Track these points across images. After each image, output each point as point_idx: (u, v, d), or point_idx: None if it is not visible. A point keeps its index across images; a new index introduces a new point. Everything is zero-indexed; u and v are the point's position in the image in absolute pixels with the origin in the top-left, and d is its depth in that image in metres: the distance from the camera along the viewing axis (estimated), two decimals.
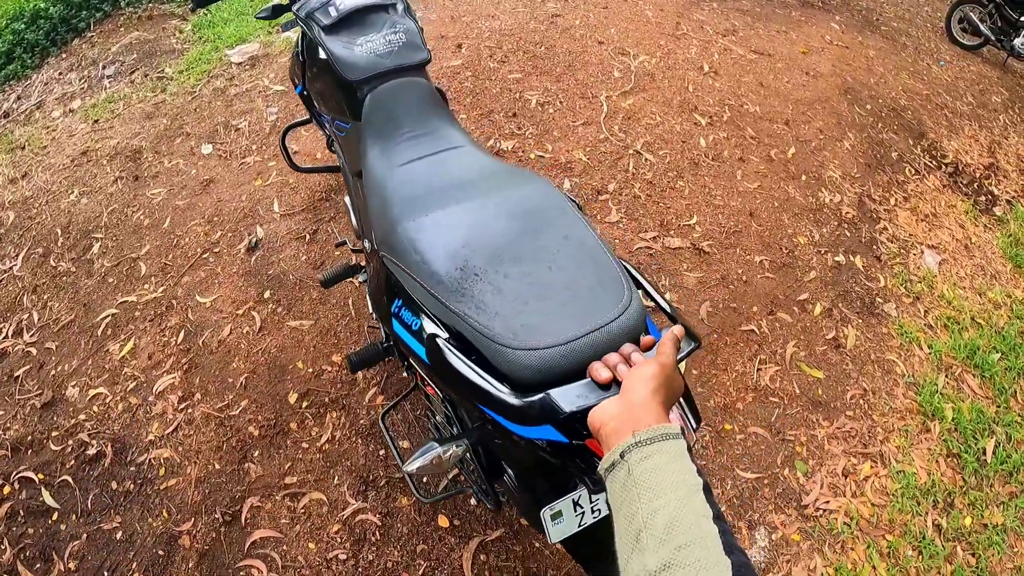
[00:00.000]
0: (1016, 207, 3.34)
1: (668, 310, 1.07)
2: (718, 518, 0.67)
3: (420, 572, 1.83)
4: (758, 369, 2.32)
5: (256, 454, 2.08)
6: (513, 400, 0.89)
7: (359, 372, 2.20)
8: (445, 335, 1.02)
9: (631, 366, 0.84)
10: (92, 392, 2.29)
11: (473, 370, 0.93)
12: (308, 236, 2.68)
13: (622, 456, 0.69)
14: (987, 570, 2.03)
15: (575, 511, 1.14)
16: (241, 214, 2.80)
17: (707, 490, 0.69)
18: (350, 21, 1.60)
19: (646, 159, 3.01)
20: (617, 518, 0.67)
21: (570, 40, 3.73)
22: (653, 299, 1.09)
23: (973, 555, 2.05)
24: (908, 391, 2.40)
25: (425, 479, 1.97)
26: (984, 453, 2.29)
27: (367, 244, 1.47)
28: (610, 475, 0.70)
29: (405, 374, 2.05)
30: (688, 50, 3.85)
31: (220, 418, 2.17)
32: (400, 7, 1.70)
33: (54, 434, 2.19)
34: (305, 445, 2.09)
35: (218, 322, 2.42)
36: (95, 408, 2.24)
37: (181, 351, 2.35)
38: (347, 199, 1.88)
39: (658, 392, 0.76)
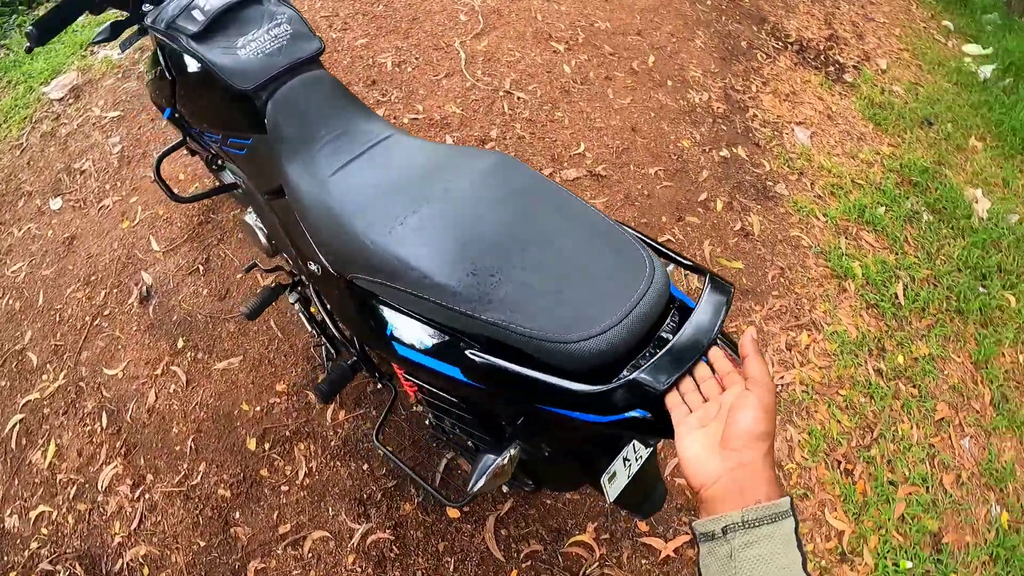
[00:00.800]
0: (863, 71, 3.60)
1: (689, 263, 1.06)
2: None
3: (451, 570, 1.78)
4: (685, 275, 2.37)
5: (237, 515, 1.91)
6: (594, 391, 0.84)
7: (314, 395, 2.08)
8: (474, 347, 0.95)
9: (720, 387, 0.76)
10: (33, 514, 2.01)
11: (537, 375, 0.87)
12: (201, 268, 2.46)
13: (724, 532, 0.63)
14: (928, 395, 2.23)
15: (624, 465, 1.16)
16: (119, 264, 2.51)
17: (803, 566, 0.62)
18: (221, 23, 1.40)
19: (519, 98, 2.96)
20: None
21: None
22: (664, 255, 1.07)
23: (914, 386, 2.25)
24: (818, 260, 2.55)
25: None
26: (896, 297, 2.49)
27: (312, 267, 1.31)
28: (707, 544, 0.64)
29: (380, 386, 2.02)
30: None
31: (183, 492, 1.97)
32: (269, 4, 1.49)
33: (12, 575, 1.90)
34: (285, 488, 1.95)
35: (139, 390, 2.19)
36: (44, 530, 1.98)
37: (111, 436, 2.11)
38: (250, 218, 1.69)
39: (770, 452, 0.67)
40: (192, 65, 1.46)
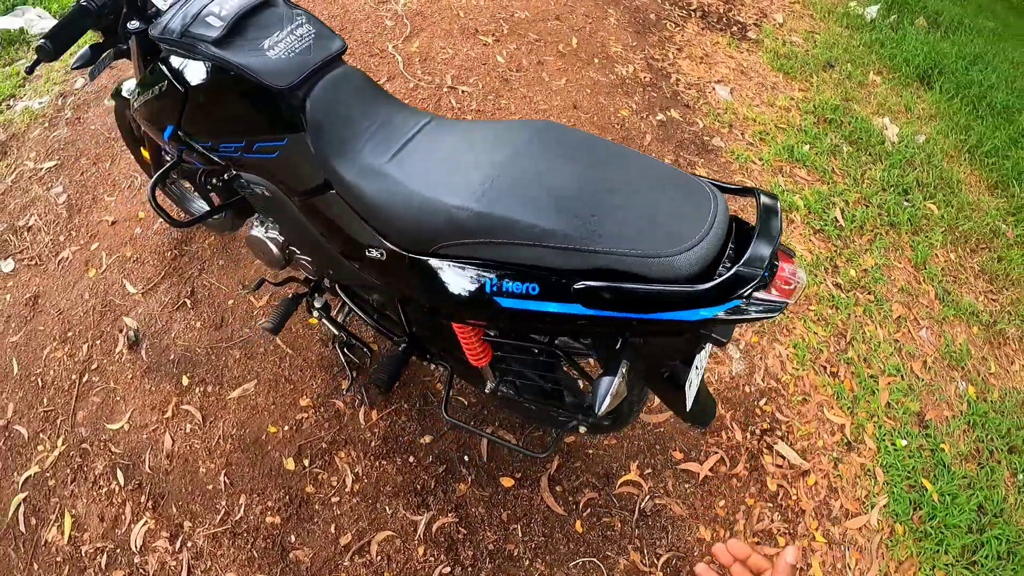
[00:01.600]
0: (763, 27, 3.94)
1: (738, 188, 1.22)
2: None
3: (520, 535, 1.89)
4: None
5: (293, 539, 1.92)
6: (707, 287, 1.00)
7: (366, 392, 2.14)
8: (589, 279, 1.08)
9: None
10: None
11: (651, 288, 1.03)
12: (188, 301, 2.44)
13: None
14: (883, 299, 2.52)
15: (696, 373, 1.28)
16: (96, 315, 2.45)
17: None
18: (239, 28, 1.40)
19: (463, 91, 3.11)
20: None
21: (323, 3, 3.66)
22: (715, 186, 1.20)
23: (869, 293, 2.53)
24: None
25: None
26: (837, 220, 2.79)
27: (373, 253, 1.37)
28: None
29: (432, 366, 2.07)
30: None
31: (229, 530, 1.94)
32: (283, 6, 1.50)
33: None
34: (335, 499, 1.98)
35: (151, 438, 2.12)
36: None
37: (132, 492, 2.03)
38: (258, 232, 1.71)
39: None
40: (212, 73, 1.41)
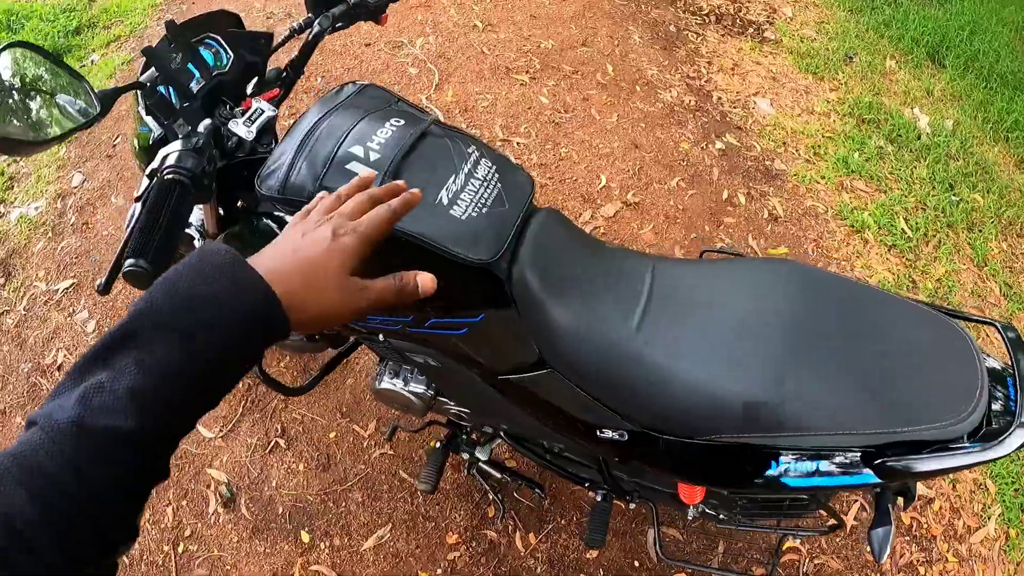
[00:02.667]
0: (776, 24, 4.06)
1: (977, 318, 1.27)
2: None
3: None
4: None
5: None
6: (1005, 452, 1.04)
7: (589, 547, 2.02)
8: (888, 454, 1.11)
9: None
10: None
11: (953, 459, 1.06)
12: (281, 442, 2.23)
13: None
14: (959, 306, 2.75)
15: None
16: (173, 470, 2.16)
17: None
18: (403, 177, 1.07)
19: (518, 143, 3.16)
20: None
21: (336, 56, 3.60)
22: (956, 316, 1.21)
23: (947, 304, 2.75)
24: (837, 221, 3.01)
25: None
26: (904, 232, 3.01)
27: (609, 435, 1.24)
28: None
29: (632, 505, 1.83)
30: (447, 13, 3.90)
31: None
32: (430, 120, 1.20)
33: None
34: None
35: None
36: None
37: None
38: (389, 384, 1.53)
39: None
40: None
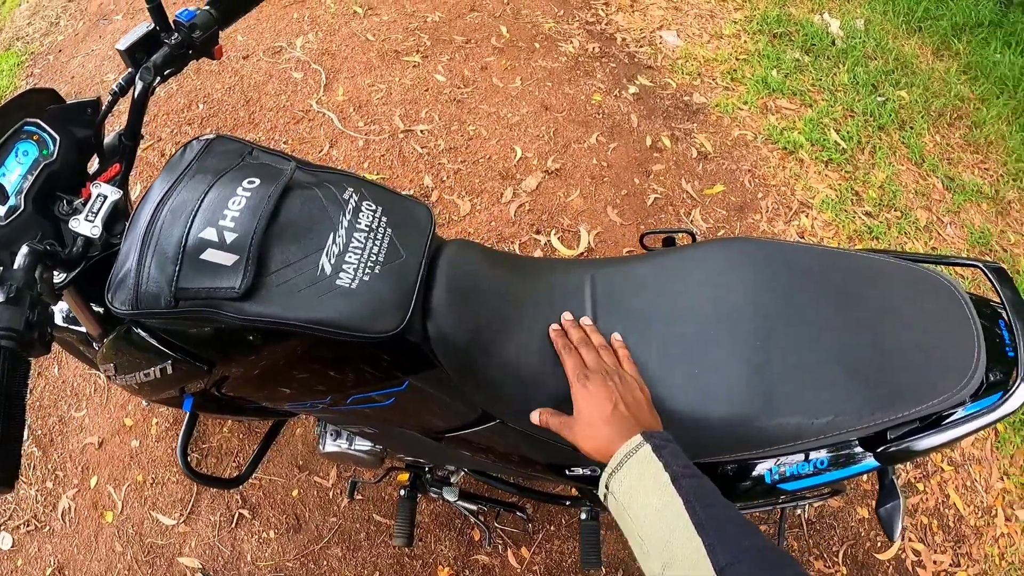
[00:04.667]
0: None
1: (960, 260, 1.17)
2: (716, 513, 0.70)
3: None
4: (687, 215, 2.63)
5: None
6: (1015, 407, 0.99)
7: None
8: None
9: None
10: None
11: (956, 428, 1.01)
12: (247, 513, 2.08)
13: (607, 487, 0.79)
14: (907, 209, 2.70)
15: None
16: (143, 568, 2.01)
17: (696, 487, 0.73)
18: (271, 252, 0.88)
19: (421, 131, 2.97)
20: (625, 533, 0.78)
21: (214, 76, 3.33)
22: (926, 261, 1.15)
23: (895, 209, 2.71)
24: (768, 146, 2.91)
25: None
26: (838, 144, 2.94)
27: (576, 471, 1.20)
28: (607, 501, 0.80)
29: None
30: (323, 5, 3.65)
31: None
32: (291, 167, 0.97)
33: None
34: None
35: None
36: None
37: None
38: (335, 445, 1.44)
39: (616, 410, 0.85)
40: (255, 339, 0.94)
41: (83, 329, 1.23)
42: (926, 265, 1.13)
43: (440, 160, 2.87)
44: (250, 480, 2.12)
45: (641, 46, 3.35)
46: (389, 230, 0.96)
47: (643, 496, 0.72)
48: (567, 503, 1.67)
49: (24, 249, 0.86)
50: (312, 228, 0.91)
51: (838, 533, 2.09)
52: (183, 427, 1.36)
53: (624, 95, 3.09)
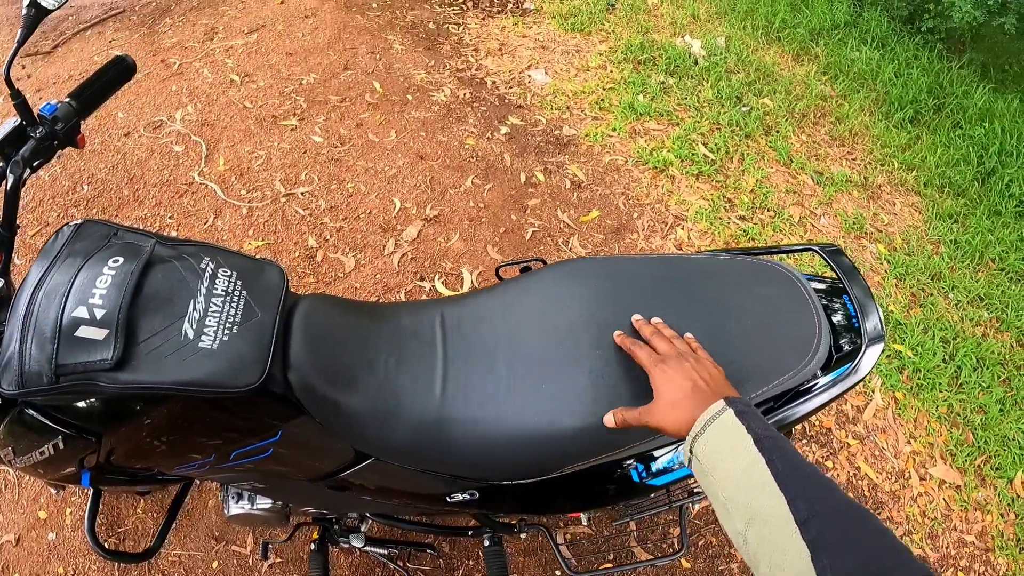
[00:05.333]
0: None
1: (796, 247, 1.28)
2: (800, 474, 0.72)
3: None
4: (565, 243, 2.67)
5: None
6: (862, 375, 1.08)
7: None
8: None
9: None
10: None
11: (814, 399, 1.10)
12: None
13: (691, 451, 0.83)
14: (780, 208, 2.78)
15: None
16: None
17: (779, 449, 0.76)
18: (139, 324, 0.96)
19: (302, 193, 2.98)
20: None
21: (96, 156, 3.31)
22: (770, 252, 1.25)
23: (768, 210, 2.79)
24: (639, 167, 3.00)
25: None
26: (706, 156, 3.02)
27: (460, 497, 1.22)
28: (692, 465, 0.84)
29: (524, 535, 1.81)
30: (201, 76, 3.67)
31: None
32: (151, 243, 1.05)
33: None
34: None
35: None
36: None
37: None
38: (243, 507, 1.45)
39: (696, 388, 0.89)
40: (132, 404, 1.01)
41: None
42: (764, 257, 1.21)
43: (322, 220, 2.87)
44: (170, 558, 2.08)
45: (511, 87, 3.43)
46: (244, 292, 1.04)
47: (727, 457, 0.76)
48: (469, 533, 1.69)
49: None
50: (173, 298, 0.99)
51: None
52: (88, 504, 1.39)
53: (496, 136, 3.15)
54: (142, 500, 2.18)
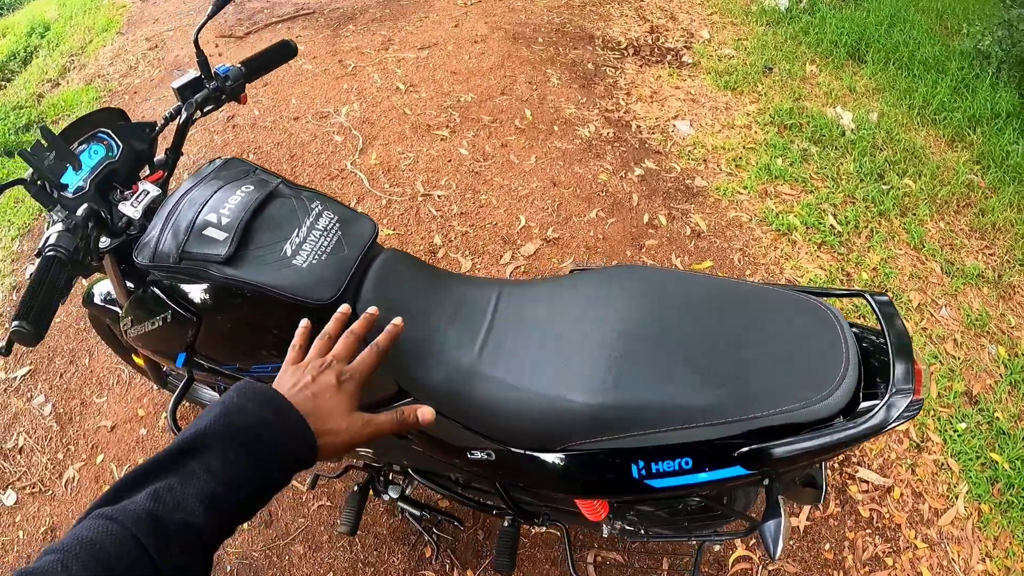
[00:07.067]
0: (694, 48, 4.23)
1: (845, 291, 1.32)
2: None
3: None
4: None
5: None
6: (869, 424, 1.06)
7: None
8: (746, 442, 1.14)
9: None
10: None
11: (822, 437, 1.08)
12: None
13: None
14: (899, 291, 2.77)
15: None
16: None
17: None
18: (250, 234, 1.25)
19: (439, 196, 3.29)
20: None
21: (267, 132, 3.79)
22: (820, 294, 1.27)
23: (886, 291, 2.77)
24: (763, 228, 3.08)
25: None
26: (833, 227, 3.06)
27: (477, 455, 1.31)
28: None
29: (544, 528, 1.99)
30: (371, 79, 4.11)
31: None
32: (277, 182, 1.37)
33: None
34: None
35: None
36: None
37: None
38: None
39: None
40: (231, 296, 1.26)
41: (115, 308, 1.69)
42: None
43: (451, 222, 3.17)
44: None
45: (654, 133, 3.61)
46: (339, 232, 1.30)
47: None
48: (494, 512, 1.80)
49: (84, 205, 1.28)
50: (283, 224, 1.28)
51: None
52: (177, 391, 1.58)
53: (629, 176, 3.33)
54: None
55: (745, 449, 1.10)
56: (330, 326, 0.92)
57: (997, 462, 2.38)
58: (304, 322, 0.94)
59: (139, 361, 2.13)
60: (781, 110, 3.67)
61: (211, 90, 1.57)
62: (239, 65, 1.60)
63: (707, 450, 1.13)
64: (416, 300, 1.32)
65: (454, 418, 1.27)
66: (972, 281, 2.91)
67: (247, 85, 1.67)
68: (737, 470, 1.14)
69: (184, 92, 1.56)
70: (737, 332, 1.17)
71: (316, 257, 1.25)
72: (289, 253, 1.24)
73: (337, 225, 1.32)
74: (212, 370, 1.52)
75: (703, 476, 1.16)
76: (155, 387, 2.63)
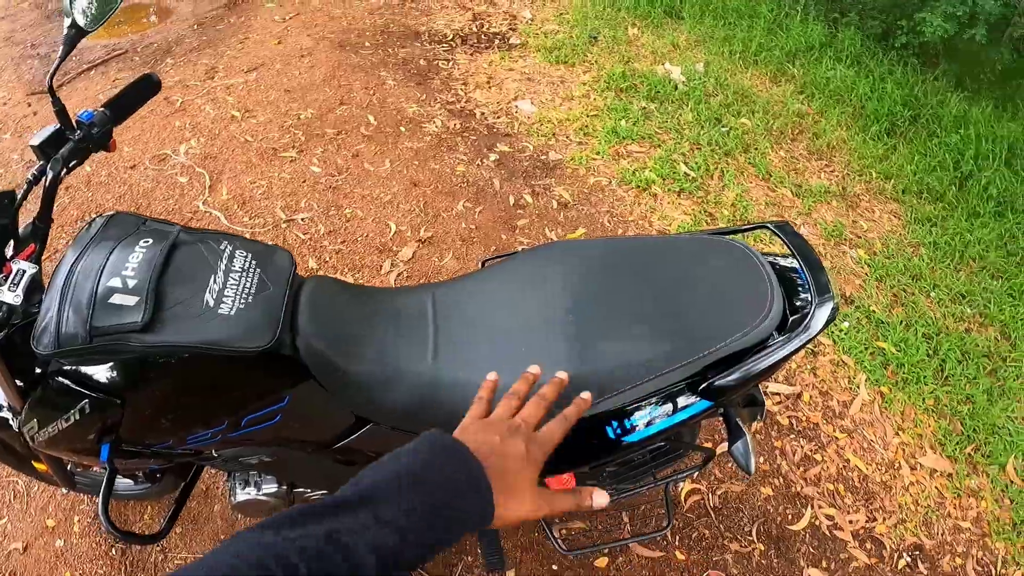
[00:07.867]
0: (519, 29, 4.31)
1: (750, 226, 1.42)
2: None
3: None
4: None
5: None
6: (812, 334, 1.16)
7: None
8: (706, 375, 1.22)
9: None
10: None
11: (770, 358, 1.17)
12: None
13: None
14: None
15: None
16: None
17: None
18: (166, 294, 1.10)
19: (302, 220, 3.14)
20: None
21: (102, 187, 3.48)
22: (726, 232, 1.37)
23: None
24: (624, 187, 3.16)
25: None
26: (687, 174, 3.18)
27: None
28: None
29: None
30: (203, 112, 3.88)
31: None
32: (177, 230, 1.22)
33: None
34: None
35: None
36: None
37: None
38: (249, 494, 1.58)
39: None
40: (156, 366, 1.14)
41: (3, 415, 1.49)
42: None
43: (322, 243, 3.03)
44: (176, 560, 2.19)
45: (499, 117, 3.63)
46: (258, 270, 1.21)
47: None
48: None
49: None
50: (196, 273, 1.15)
51: (747, 514, 2.18)
52: (103, 485, 1.41)
53: (486, 163, 3.33)
54: (149, 506, 2.30)
55: (704, 384, 1.20)
56: (520, 385, 0.86)
57: (884, 348, 2.57)
58: (492, 375, 0.90)
59: (41, 467, 1.84)
60: (614, 75, 3.79)
61: (76, 141, 1.33)
62: (102, 109, 1.38)
63: (674, 393, 1.22)
64: (355, 325, 1.28)
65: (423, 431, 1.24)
66: (821, 198, 3.12)
67: (114, 129, 1.44)
68: (702, 404, 1.23)
69: (45, 149, 1.31)
70: (669, 283, 1.26)
71: (242, 301, 1.15)
72: (212, 303, 1.12)
73: (253, 263, 1.22)
74: (137, 454, 1.38)
75: (674, 418, 1.24)
76: (60, 491, 2.32)
